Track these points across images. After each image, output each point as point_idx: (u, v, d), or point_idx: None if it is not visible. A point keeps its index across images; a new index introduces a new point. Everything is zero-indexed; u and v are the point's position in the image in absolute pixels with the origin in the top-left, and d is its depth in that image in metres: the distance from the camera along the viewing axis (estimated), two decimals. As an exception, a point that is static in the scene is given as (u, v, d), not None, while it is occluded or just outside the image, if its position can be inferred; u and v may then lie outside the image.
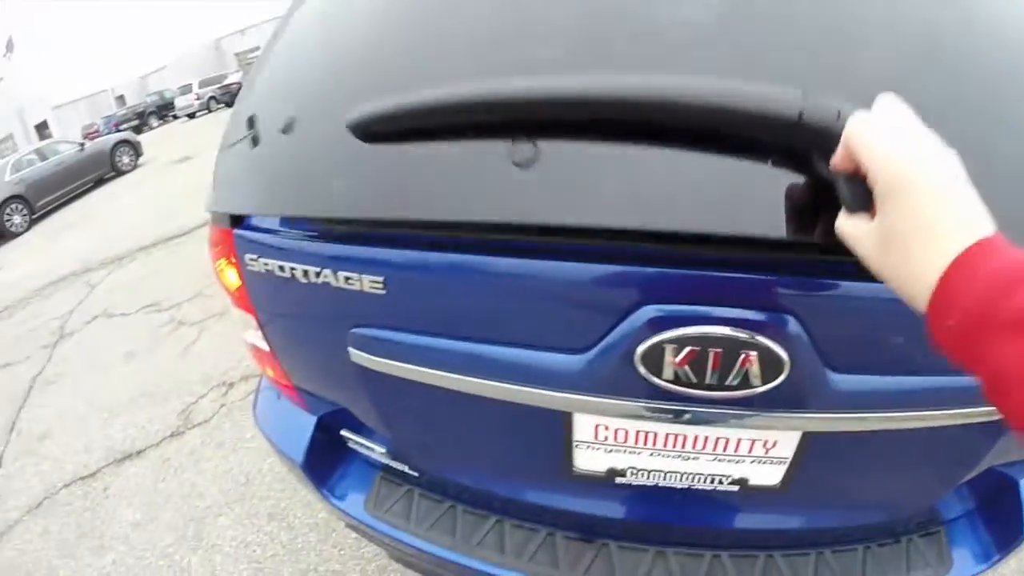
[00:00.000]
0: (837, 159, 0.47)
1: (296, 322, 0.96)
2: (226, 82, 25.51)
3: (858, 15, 0.67)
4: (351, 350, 0.86)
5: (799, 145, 0.52)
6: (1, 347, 4.89)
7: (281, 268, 0.85)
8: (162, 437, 2.89)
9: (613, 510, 0.97)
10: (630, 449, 0.84)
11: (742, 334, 0.64)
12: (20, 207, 10.60)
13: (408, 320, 0.80)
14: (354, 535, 1.95)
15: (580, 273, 0.68)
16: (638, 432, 0.81)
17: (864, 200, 0.45)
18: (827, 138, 0.47)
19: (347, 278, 0.79)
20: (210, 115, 23.20)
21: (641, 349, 0.67)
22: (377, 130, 0.70)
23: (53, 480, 2.83)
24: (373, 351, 0.84)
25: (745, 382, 0.67)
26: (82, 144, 12.65)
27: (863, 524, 0.95)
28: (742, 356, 0.65)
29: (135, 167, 13.40)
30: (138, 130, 23.15)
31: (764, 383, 0.67)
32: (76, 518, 2.52)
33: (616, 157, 0.63)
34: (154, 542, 2.25)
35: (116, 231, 7.63)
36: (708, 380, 0.67)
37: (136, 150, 13.70)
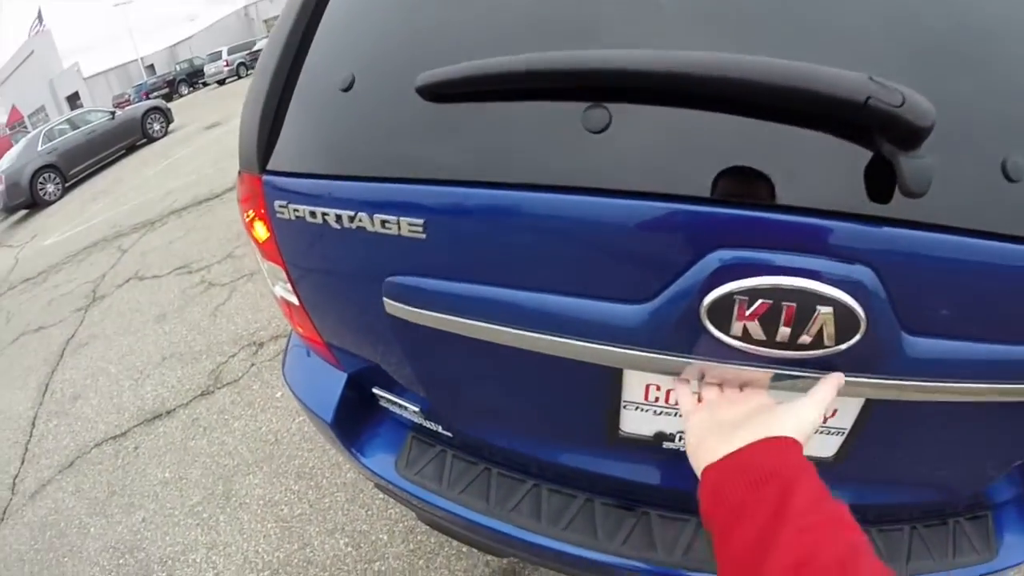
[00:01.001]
0: None
1: (327, 272, 0.92)
2: (255, 48, 25.41)
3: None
4: (386, 300, 0.81)
5: (864, 124, 0.53)
6: (35, 311, 5.03)
7: (312, 214, 0.80)
8: (192, 397, 2.92)
9: (657, 477, 0.92)
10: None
11: (820, 287, 0.58)
12: (53, 176, 10.86)
13: (449, 267, 0.75)
14: (382, 496, 1.95)
15: (644, 212, 0.62)
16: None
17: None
18: (889, 119, 0.49)
19: (384, 222, 0.74)
20: (240, 81, 23.29)
21: (708, 300, 0.61)
22: (449, 91, 0.68)
23: (85, 440, 2.90)
24: (410, 301, 0.79)
25: (818, 342, 0.61)
26: (113, 112, 12.82)
27: (912, 502, 0.90)
28: (816, 312, 0.59)
29: (166, 133, 13.55)
30: (168, 98, 23.34)
31: (838, 343, 0.60)
32: (107, 476, 2.58)
33: (685, 123, 0.61)
34: (183, 500, 2.29)
35: (147, 196, 7.74)
36: (778, 338, 0.61)
37: (167, 117, 13.82)
